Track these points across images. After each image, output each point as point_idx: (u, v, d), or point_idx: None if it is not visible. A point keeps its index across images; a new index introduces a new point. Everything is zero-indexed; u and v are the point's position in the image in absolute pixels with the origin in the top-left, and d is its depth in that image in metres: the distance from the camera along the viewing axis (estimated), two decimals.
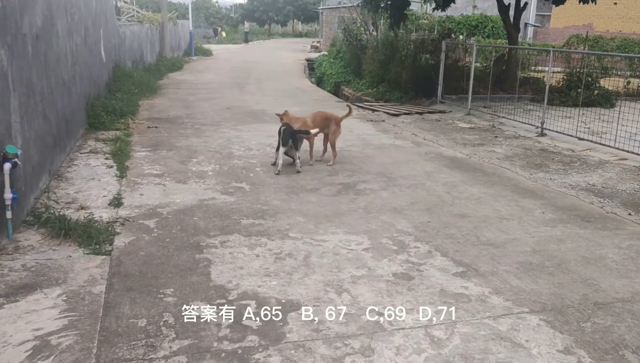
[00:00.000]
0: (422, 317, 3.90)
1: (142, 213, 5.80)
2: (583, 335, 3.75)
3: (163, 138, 9.52)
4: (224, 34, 57.59)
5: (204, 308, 3.89)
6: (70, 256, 4.70)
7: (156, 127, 10.38)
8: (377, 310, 3.97)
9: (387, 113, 13.14)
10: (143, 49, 19.67)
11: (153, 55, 22.03)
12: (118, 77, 13.50)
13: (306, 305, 4.01)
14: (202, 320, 3.76)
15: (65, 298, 4.02)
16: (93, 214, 5.56)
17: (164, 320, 3.76)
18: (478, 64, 15.46)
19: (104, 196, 6.27)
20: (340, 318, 3.85)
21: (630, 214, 6.30)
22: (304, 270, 4.60)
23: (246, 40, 52.52)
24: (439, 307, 4.04)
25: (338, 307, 4.00)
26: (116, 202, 6.05)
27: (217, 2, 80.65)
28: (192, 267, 4.57)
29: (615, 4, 38.82)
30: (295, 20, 77.47)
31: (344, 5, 37.32)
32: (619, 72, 17.43)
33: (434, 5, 13.52)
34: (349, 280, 4.45)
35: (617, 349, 3.61)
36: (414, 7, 20.83)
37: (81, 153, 8.09)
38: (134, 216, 5.67)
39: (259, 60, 29.75)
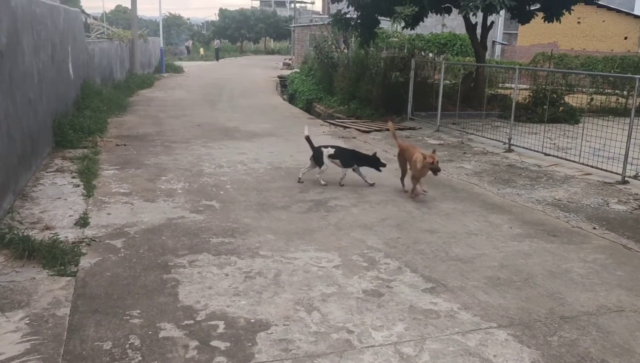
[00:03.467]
0: (392, 334, 3.90)
1: (109, 232, 5.70)
2: (550, 349, 3.80)
3: (132, 155, 9.41)
4: (201, 50, 57.14)
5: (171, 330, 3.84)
6: (34, 278, 4.59)
7: (125, 145, 10.26)
8: (347, 327, 3.97)
9: (359, 130, 13.24)
10: (112, 66, 19.51)
11: (123, 72, 21.85)
12: (86, 94, 13.33)
13: (276, 325, 3.98)
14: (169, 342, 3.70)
15: (28, 321, 3.91)
16: (58, 235, 5.44)
17: (129, 342, 3.69)
18: (447, 82, 15.72)
19: (70, 215, 6.15)
20: (310, 337, 3.83)
21: (594, 228, 6.43)
22: (274, 288, 4.57)
23: (217, 58, 52.44)
24: (409, 324, 4.06)
25: (308, 326, 3.98)
26: (82, 222, 5.94)
27: (188, 19, 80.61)
28: (160, 288, 4.50)
29: (578, 22, 40.01)
30: (267, 37, 77.72)
31: (315, 23, 37.65)
32: (583, 89, 17.90)
33: (403, 24, 13.71)
34: (319, 298, 4.43)
35: (583, 362, 3.66)
36: (384, 25, 21.09)
37: (47, 172, 7.94)
38: (100, 236, 5.58)
39: (231, 77, 29.73)
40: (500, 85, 17.50)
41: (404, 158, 7.78)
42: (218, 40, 61.76)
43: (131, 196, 7.02)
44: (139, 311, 4.11)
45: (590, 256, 5.53)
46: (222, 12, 74.10)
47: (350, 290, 4.59)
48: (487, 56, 19.69)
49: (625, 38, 41.81)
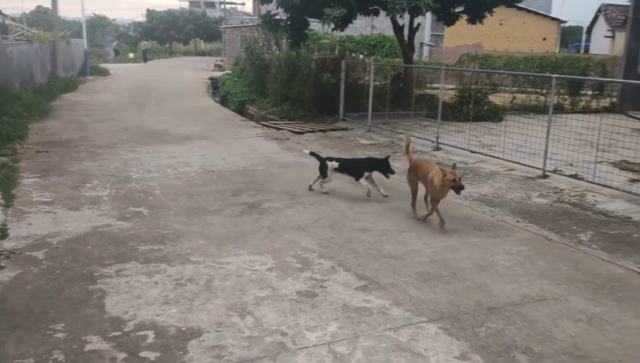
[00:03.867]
0: (326, 334, 3.91)
1: (30, 243, 5.43)
2: (477, 340, 3.92)
3: (54, 162, 9.00)
4: (131, 55, 55.16)
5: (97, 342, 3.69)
6: None
7: (47, 151, 9.80)
8: (281, 330, 3.95)
9: (292, 131, 13.24)
10: (33, 69, 18.65)
11: (44, 75, 20.91)
12: (5, 99, 12.69)
13: (208, 331, 3.90)
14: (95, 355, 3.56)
15: None
16: None
17: (53, 357, 3.53)
18: (377, 83, 15.98)
19: None
20: (243, 342, 3.78)
21: (518, 221, 6.71)
22: (205, 294, 4.48)
23: (145, 59, 51.01)
24: (342, 322, 4.08)
25: (241, 331, 3.93)
26: (0, 233, 5.63)
27: (114, 20, 77.94)
28: (85, 299, 4.32)
29: (501, 24, 41.75)
30: (197, 38, 76.33)
31: (246, 25, 37.39)
32: (506, 88, 18.63)
33: (332, 25, 13.83)
34: (253, 301, 4.39)
35: (509, 351, 3.80)
36: (315, 26, 21.19)
37: None
38: (20, 248, 5.30)
39: (160, 79, 28.99)
40: (428, 85, 17.95)
41: (415, 175, 6.68)
42: (146, 42, 60.04)
43: (54, 204, 6.72)
44: (63, 325, 3.93)
45: (514, 249, 5.76)
46: (150, 13, 72.09)
47: (284, 292, 4.58)
48: (415, 57, 20.16)
49: (544, 39, 44.08)
